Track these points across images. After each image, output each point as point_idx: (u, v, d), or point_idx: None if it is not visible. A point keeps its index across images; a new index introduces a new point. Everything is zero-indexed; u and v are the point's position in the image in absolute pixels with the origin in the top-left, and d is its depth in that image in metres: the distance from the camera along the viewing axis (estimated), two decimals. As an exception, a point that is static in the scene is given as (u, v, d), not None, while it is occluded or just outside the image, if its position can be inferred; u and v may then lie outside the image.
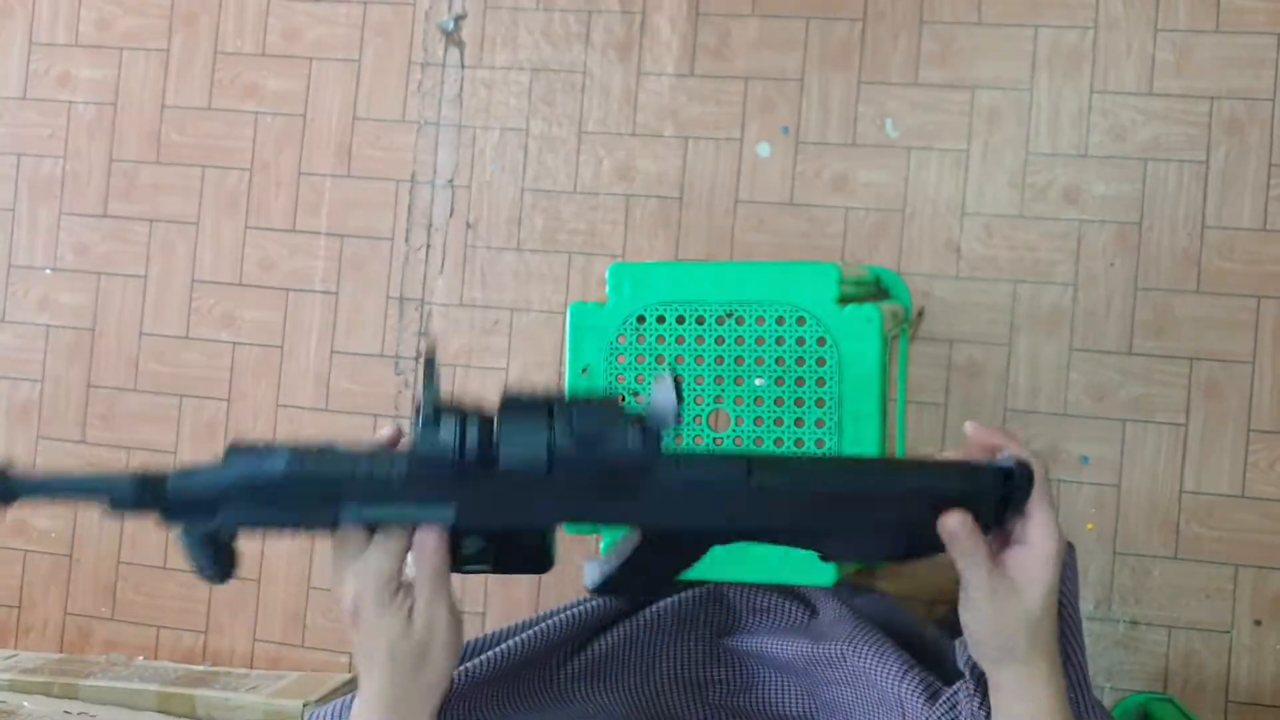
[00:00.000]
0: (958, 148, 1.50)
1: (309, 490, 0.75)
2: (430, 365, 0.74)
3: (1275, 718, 1.42)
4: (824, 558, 0.86)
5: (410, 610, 0.77)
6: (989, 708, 0.93)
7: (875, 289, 1.38)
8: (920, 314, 1.48)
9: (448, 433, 0.72)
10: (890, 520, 0.81)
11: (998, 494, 0.80)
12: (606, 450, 0.74)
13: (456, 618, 0.80)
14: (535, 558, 0.82)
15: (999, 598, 0.79)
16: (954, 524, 0.78)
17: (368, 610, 0.77)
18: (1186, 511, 1.45)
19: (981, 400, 1.48)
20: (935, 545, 0.80)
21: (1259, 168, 1.45)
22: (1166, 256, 1.46)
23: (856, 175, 1.52)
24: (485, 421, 0.74)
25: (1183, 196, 1.46)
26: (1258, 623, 1.43)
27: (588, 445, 0.73)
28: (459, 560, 0.79)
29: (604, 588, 0.84)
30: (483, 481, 0.75)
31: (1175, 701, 1.40)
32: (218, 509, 0.75)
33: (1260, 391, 1.44)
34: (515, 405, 0.74)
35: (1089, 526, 1.45)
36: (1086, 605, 1.44)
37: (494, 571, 0.82)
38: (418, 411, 0.73)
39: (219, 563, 0.77)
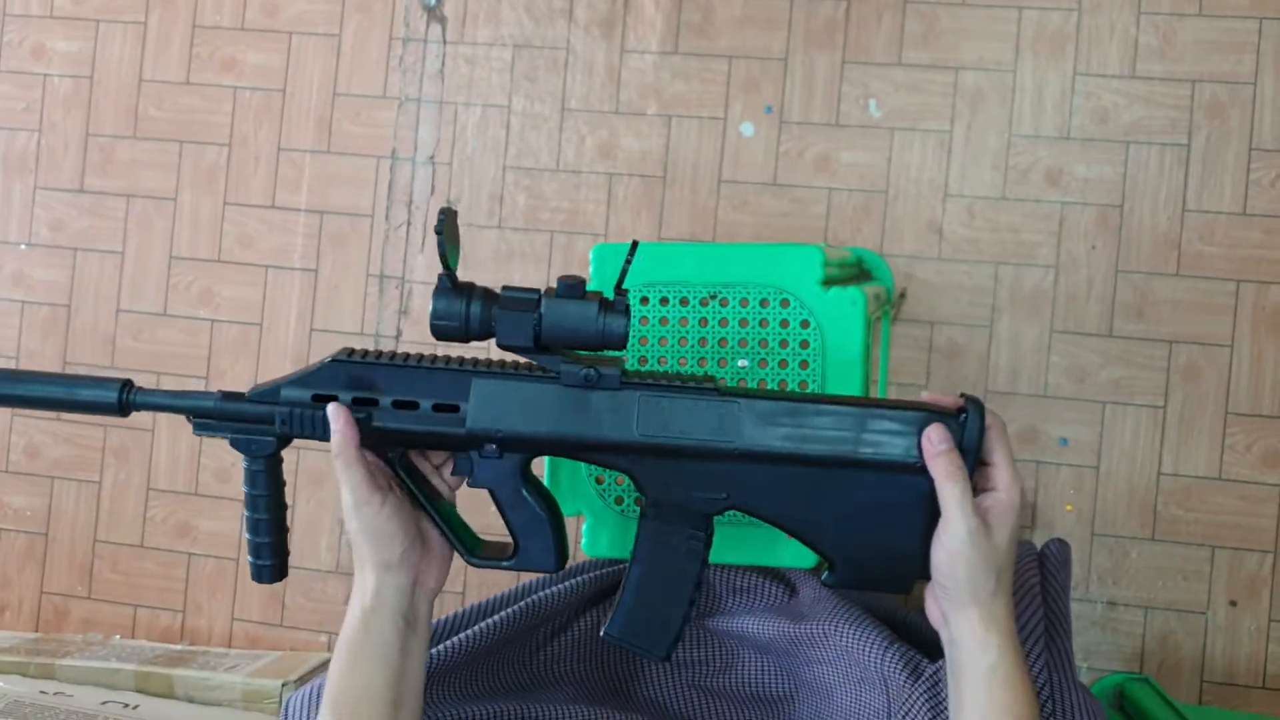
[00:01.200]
0: (941, 129, 1.50)
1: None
2: (446, 231, 0.82)
3: (1249, 697, 1.44)
4: (832, 575, 0.90)
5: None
6: None
7: (858, 270, 1.37)
8: (902, 295, 1.48)
9: (458, 302, 0.81)
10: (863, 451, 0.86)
11: (956, 435, 0.85)
12: (583, 331, 0.82)
13: (375, 487, 0.86)
14: (550, 554, 0.90)
15: (975, 534, 0.82)
16: (937, 435, 0.83)
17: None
18: (1164, 493, 1.46)
19: (962, 382, 1.48)
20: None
21: (1240, 151, 1.46)
22: (1147, 239, 1.46)
23: (839, 156, 1.51)
24: (487, 300, 0.82)
25: (1164, 179, 1.46)
26: (1233, 604, 1.44)
27: (566, 325, 0.82)
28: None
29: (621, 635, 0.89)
30: (491, 384, 0.85)
31: (1151, 681, 1.41)
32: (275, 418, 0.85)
33: (1238, 375, 1.45)
34: (510, 295, 0.83)
35: (1068, 508, 1.46)
36: (1064, 586, 1.45)
37: (509, 568, 0.90)
38: (436, 287, 0.82)
39: (276, 497, 0.87)
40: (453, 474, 0.90)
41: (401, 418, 0.86)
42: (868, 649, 1.06)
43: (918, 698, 0.99)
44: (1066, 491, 1.46)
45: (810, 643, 1.12)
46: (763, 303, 1.10)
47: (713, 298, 1.11)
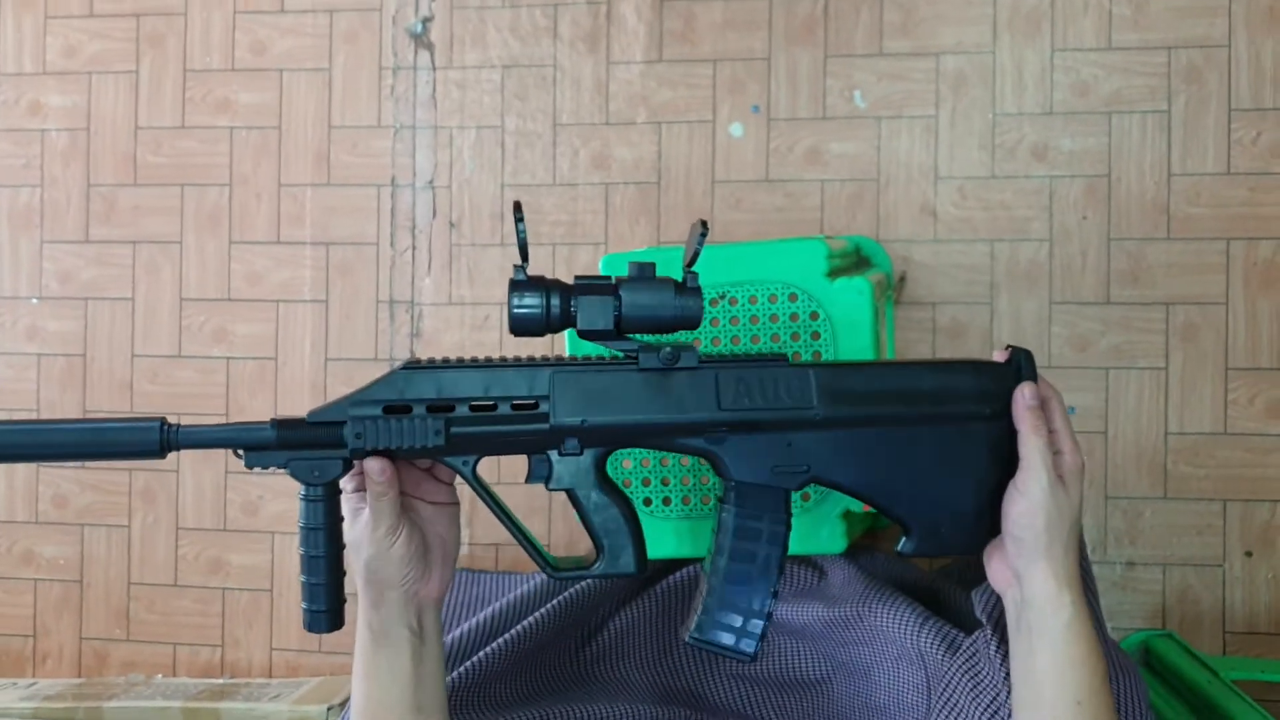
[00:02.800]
0: (926, 114, 1.53)
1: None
2: (521, 232, 0.83)
3: (1271, 645, 1.47)
4: (909, 543, 0.92)
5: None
6: (1005, 655, 0.97)
7: (857, 258, 1.40)
8: (902, 279, 1.51)
9: (536, 294, 0.82)
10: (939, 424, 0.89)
11: (1012, 381, 0.90)
12: (661, 311, 0.83)
13: (401, 515, 0.87)
14: (633, 557, 0.89)
15: (1055, 486, 0.86)
16: (1030, 391, 0.89)
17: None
18: (1173, 452, 1.49)
19: (967, 359, 1.51)
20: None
21: (1219, 113, 1.49)
22: (1136, 206, 1.49)
23: (829, 148, 1.54)
24: (565, 292, 0.83)
25: (1148, 146, 1.50)
26: (1248, 554, 1.48)
27: (645, 306, 0.83)
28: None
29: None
30: (570, 378, 0.85)
31: (1175, 636, 1.44)
32: (345, 436, 0.83)
33: (1235, 330, 1.48)
34: (584, 283, 0.84)
35: (1080, 474, 1.49)
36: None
37: (596, 575, 0.90)
38: (513, 280, 0.82)
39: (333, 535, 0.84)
40: (528, 479, 0.89)
41: (482, 421, 0.85)
42: (903, 627, 1.09)
43: (956, 671, 1.01)
44: (1077, 458, 1.49)
45: (845, 624, 1.15)
46: (771, 298, 1.13)
47: (721, 298, 1.14)
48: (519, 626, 1.17)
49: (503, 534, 1.51)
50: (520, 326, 0.83)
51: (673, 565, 1.26)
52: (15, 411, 1.69)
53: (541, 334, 0.83)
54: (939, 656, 1.05)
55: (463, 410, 0.84)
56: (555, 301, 0.83)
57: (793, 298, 1.13)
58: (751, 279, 1.14)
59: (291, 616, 1.63)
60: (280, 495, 1.63)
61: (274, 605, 1.64)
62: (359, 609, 0.90)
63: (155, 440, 0.80)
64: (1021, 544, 0.87)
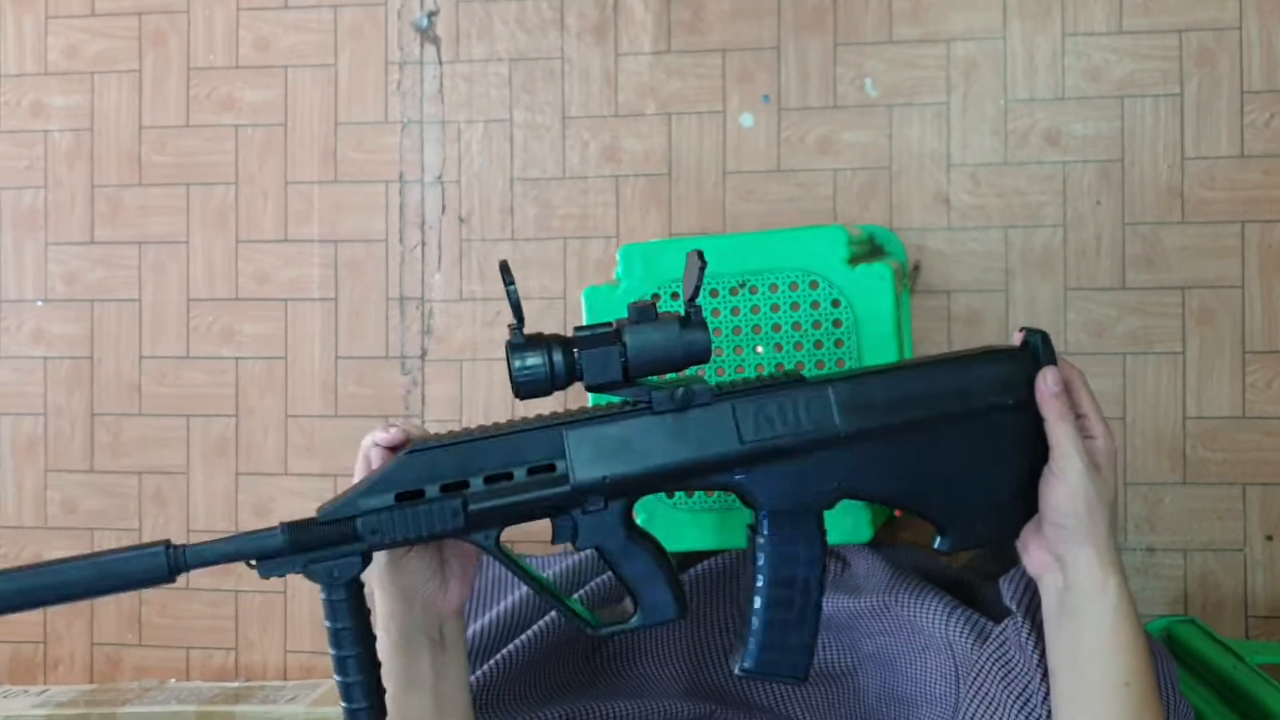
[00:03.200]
0: (938, 101, 1.52)
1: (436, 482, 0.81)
2: (512, 293, 0.79)
3: (1294, 628, 1.47)
4: (945, 540, 0.91)
5: None
6: (1037, 643, 0.96)
7: (870, 247, 1.40)
8: (916, 268, 1.50)
9: (538, 358, 0.79)
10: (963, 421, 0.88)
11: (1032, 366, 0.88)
12: (669, 351, 0.80)
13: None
14: (670, 602, 0.86)
15: (1090, 470, 0.85)
16: (1053, 378, 0.87)
17: None
18: (1191, 437, 1.48)
19: (983, 347, 1.50)
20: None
21: (1231, 95, 1.48)
22: (1150, 190, 1.49)
23: (840, 137, 1.53)
24: (566, 347, 0.80)
25: (1161, 130, 1.49)
26: (1269, 538, 1.47)
27: (651, 349, 0.80)
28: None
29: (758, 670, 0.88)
30: (584, 432, 0.82)
31: (1198, 622, 1.43)
32: (360, 531, 0.78)
33: (1251, 314, 1.47)
34: (585, 330, 0.81)
35: (1098, 460, 1.48)
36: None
37: (636, 627, 0.86)
38: (510, 342, 0.79)
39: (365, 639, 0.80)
40: (553, 540, 0.85)
41: (498, 493, 0.81)
42: (930, 616, 1.08)
43: (986, 660, 1.00)
44: (1096, 444, 1.48)
45: (870, 615, 1.14)
46: (792, 286, 1.12)
47: (742, 286, 1.13)
48: (540, 622, 1.16)
49: (512, 531, 1.50)
50: (526, 390, 0.80)
51: (694, 558, 1.24)
52: (23, 417, 1.67)
53: (548, 394, 0.80)
54: (968, 646, 1.04)
55: (478, 484, 0.81)
56: (558, 358, 0.79)
57: (813, 285, 1.12)
58: (771, 267, 1.13)
59: (305, 617, 1.62)
60: (292, 497, 1.62)
61: (287, 607, 1.62)
62: (378, 620, 0.87)
63: (164, 566, 0.75)
64: (1063, 530, 0.86)
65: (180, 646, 1.65)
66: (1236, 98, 1.48)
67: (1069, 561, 0.87)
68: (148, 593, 1.65)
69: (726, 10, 1.55)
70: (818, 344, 1.12)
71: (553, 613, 1.17)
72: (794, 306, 1.12)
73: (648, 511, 1.15)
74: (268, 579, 0.77)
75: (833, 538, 1.12)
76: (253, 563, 0.77)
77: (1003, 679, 0.99)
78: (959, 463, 0.88)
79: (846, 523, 1.12)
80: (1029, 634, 0.97)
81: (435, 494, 0.80)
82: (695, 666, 1.21)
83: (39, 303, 1.67)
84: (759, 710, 1.16)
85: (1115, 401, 1.49)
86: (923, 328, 1.50)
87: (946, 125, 1.52)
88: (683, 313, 0.82)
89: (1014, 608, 0.99)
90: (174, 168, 1.65)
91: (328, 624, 0.79)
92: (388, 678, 0.88)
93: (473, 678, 1.06)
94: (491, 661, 1.10)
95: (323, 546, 0.78)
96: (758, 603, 0.87)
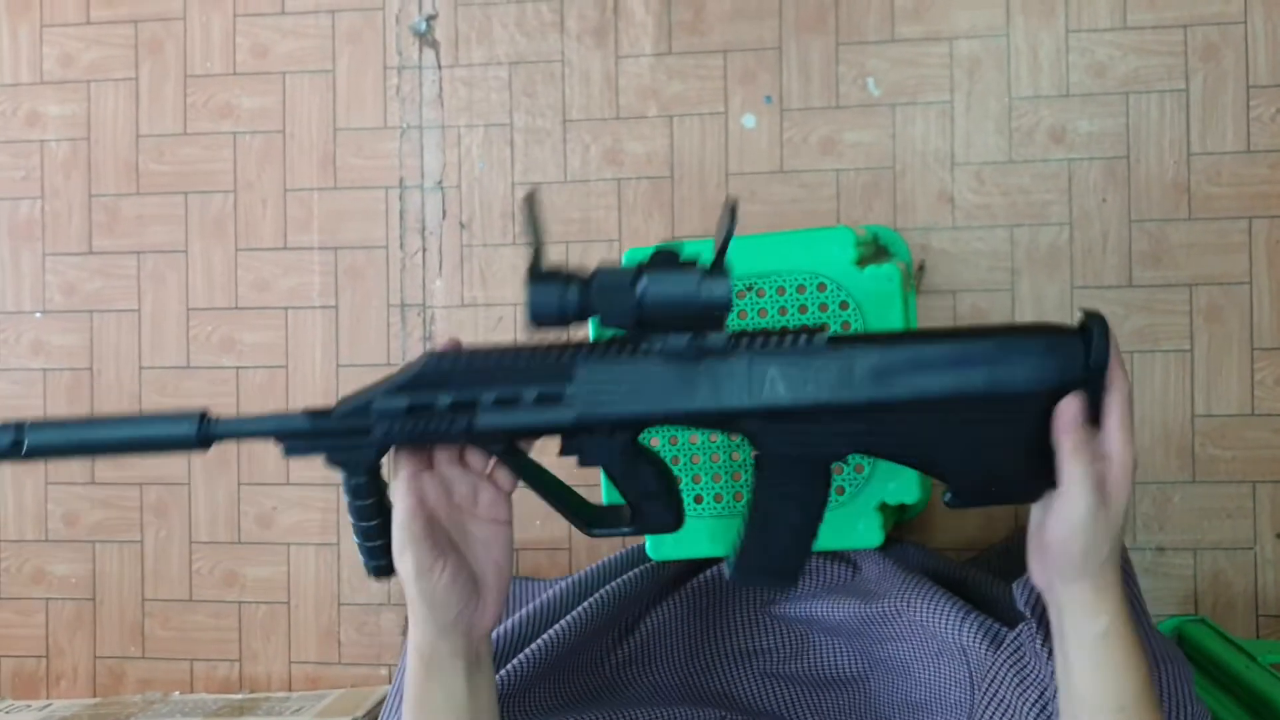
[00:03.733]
0: (941, 100, 1.51)
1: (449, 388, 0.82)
2: (533, 219, 0.79)
3: (1306, 626, 1.46)
4: (955, 498, 0.87)
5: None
6: (1051, 650, 0.95)
7: (875, 248, 1.38)
8: (921, 267, 1.49)
9: (553, 288, 0.78)
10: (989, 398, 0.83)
11: (1082, 357, 0.83)
12: (687, 299, 0.79)
13: (437, 554, 0.83)
14: (670, 512, 0.87)
15: (1095, 510, 0.80)
16: (1070, 411, 0.81)
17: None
18: (1200, 435, 1.47)
19: (990, 347, 1.49)
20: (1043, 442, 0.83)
21: (1237, 91, 1.47)
22: (1156, 187, 1.48)
23: (844, 137, 1.52)
24: (584, 283, 0.79)
25: (1166, 126, 1.48)
26: (1279, 536, 1.46)
27: (670, 297, 0.79)
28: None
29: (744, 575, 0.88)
30: (594, 366, 0.82)
31: (1208, 621, 1.42)
32: (373, 426, 0.82)
33: (1260, 310, 1.46)
34: (604, 272, 0.79)
35: (1108, 460, 1.47)
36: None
37: (631, 533, 0.88)
38: (530, 270, 0.78)
39: (383, 525, 0.84)
40: (560, 454, 0.85)
41: (504, 414, 0.82)
42: (943, 621, 1.07)
43: (1001, 665, 0.99)
44: (1105, 444, 1.47)
45: (883, 620, 1.13)
46: (799, 289, 1.11)
47: (749, 289, 1.12)
48: (551, 631, 1.15)
49: (521, 537, 1.49)
50: (539, 321, 0.79)
51: (702, 564, 1.23)
52: (22, 428, 1.66)
53: (563, 325, 0.79)
54: (982, 651, 1.03)
55: (487, 403, 0.82)
56: (573, 295, 0.78)
57: (821, 287, 1.11)
58: (779, 270, 1.12)
59: (309, 628, 1.61)
60: (294, 506, 1.61)
61: (291, 617, 1.61)
62: (411, 636, 0.86)
63: (193, 433, 0.81)
64: (1057, 560, 0.84)
65: (184, 659, 1.63)
66: (1242, 92, 1.47)
67: (1060, 589, 0.85)
68: (150, 605, 1.64)
69: (727, 11, 1.54)
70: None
71: (561, 624, 1.15)
72: (802, 309, 1.11)
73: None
74: (289, 458, 0.82)
75: (845, 542, 1.12)
76: (279, 443, 0.82)
77: (1018, 685, 0.98)
78: (980, 437, 0.85)
79: (859, 526, 1.10)
80: (1044, 641, 0.96)
81: (445, 405, 0.82)
82: (702, 672, 1.20)
83: (37, 314, 1.66)
84: (768, 716, 1.15)
85: (1124, 400, 1.47)
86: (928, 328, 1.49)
87: (950, 124, 1.51)
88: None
89: (1027, 613, 0.98)
90: (172, 176, 1.64)
91: (350, 500, 0.84)
92: (420, 703, 0.86)
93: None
94: (502, 672, 1.09)
95: (339, 435, 0.82)
96: (752, 522, 0.87)
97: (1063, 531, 0.82)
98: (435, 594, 0.83)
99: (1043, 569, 0.86)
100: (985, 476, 0.86)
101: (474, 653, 0.87)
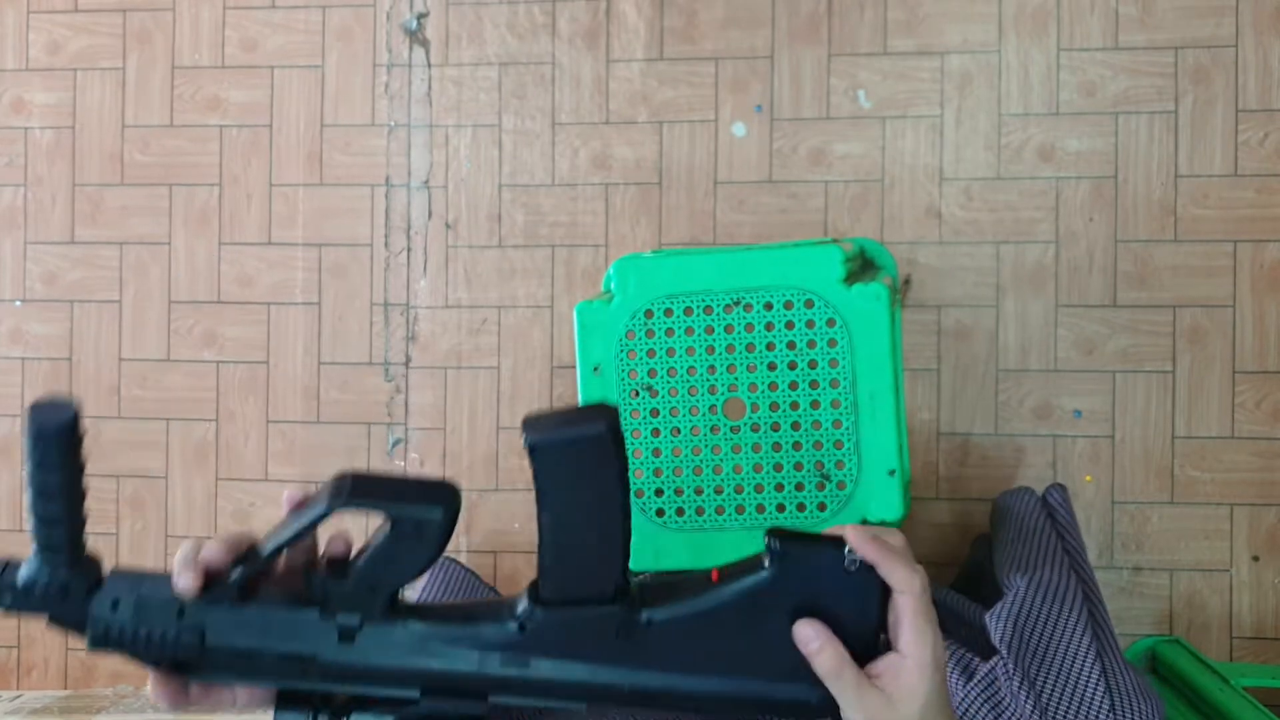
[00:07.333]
0: (931, 114, 1.51)
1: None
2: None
3: (1279, 650, 1.46)
4: None
5: None
6: (1025, 687, 0.95)
7: (861, 261, 1.38)
8: (907, 282, 1.49)
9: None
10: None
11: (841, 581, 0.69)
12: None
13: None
14: None
15: (872, 715, 0.68)
16: (807, 634, 0.68)
17: None
18: (1180, 456, 1.48)
19: (973, 362, 1.49)
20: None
21: (1226, 114, 1.48)
22: (1143, 208, 1.48)
23: (833, 148, 1.52)
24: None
25: (1155, 147, 1.48)
26: (1255, 559, 1.47)
27: None
28: None
29: None
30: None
31: (1183, 642, 1.43)
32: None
33: (1242, 334, 1.47)
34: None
35: (1087, 479, 1.48)
36: (1089, 556, 1.47)
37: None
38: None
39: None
40: None
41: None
42: (915, 652, 1.06)
43: (975, 698, 0.99)
44: (1084, 463, 1.48)
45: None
46: (786, 305, 1.11)
47: (735, 304, 1.12)
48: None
49: (501, 541, 1.48)
50: None
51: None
52: (0, 417, 1.65)
53: None
54: (954, 681, 1.03)
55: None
56: None
57: (809, 304, 1.10)
58: (766, 285, 1.11)
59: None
60: (271, 503, 1.60)
61: (267, 614, 1.60)
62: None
63: None
64: None
65: (157, 653, 1.62)
66: (1231, 116, 1.47)
67: None
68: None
69: (720, 18, 1.53)
70: (812, 363, 1.10)
71: None
72: (789, 325, 1.11)
73: (635, 531, 1.13)
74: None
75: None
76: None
77: (993, 717, 0.98)
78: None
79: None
80: (1020, 681, 0.96)
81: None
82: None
83: (17, 303, 1.65)
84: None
85: (1104, 419, 1.48)
86: (912, 342, 1.49)
87: (940, 138, 1.51)
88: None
89: (1003, 651, 0.98)
90: (157, 168, 1.63)
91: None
92: None
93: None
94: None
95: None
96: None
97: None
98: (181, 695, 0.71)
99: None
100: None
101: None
